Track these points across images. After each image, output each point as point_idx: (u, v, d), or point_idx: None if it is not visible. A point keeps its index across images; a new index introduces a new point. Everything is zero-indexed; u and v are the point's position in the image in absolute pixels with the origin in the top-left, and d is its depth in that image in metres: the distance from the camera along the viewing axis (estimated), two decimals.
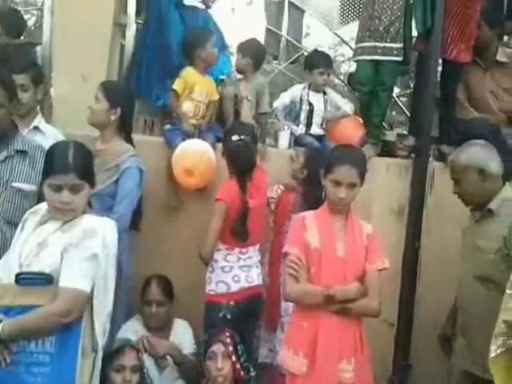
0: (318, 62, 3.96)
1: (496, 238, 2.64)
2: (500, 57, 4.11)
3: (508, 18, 4.76)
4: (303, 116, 3.93)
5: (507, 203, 2.69)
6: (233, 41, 4.71)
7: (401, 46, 3.75)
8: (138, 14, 4.39)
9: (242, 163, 3.13)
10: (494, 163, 2.76)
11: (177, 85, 3.67)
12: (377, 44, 3.78)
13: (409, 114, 4.93)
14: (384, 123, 4.33)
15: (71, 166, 2.10)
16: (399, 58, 3.77)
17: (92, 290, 2.08)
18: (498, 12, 4.56)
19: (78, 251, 2.06)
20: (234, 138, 3.12)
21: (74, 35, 3.85)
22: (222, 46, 4.16)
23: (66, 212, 2.12)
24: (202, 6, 4.24)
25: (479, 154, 2.77)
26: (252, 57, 3.95)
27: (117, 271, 2.84)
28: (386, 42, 3.76)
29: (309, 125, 3.93)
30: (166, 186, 3.58)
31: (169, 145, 3.59)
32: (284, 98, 4.00)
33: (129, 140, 3.15)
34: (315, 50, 4.58)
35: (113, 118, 3.01)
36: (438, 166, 3.83)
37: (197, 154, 3.45)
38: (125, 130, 3.13)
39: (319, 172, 2.62)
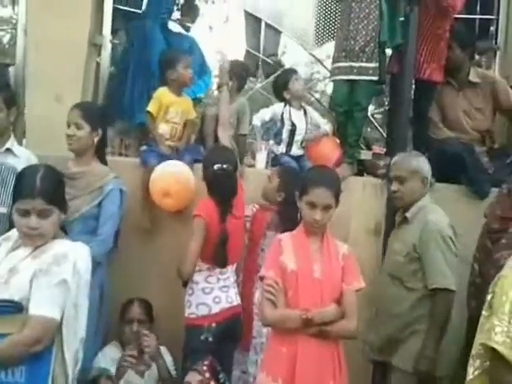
0: (290, 73, 4.01)
1: (406, 242, 2.98)
2: (472, 77, 4.15)
3: (479, 37, 4.88)
4: (285, 135, 3.90)
5: (421, 211, 3.01)
6: (212, 59, 4.74)
7: (376, 65, 3.80)
8: (113, 34, 4.40)
9: (223, 192, 3.09)
10: (431, 177, 3.14)
11: (151, 106, 3.68)
12: (352, 64, 3.82)
13: (383, 132, 5.00)
14: (360, 141, 4.35)
15: (38, 190, 2.05)
16: (375, 78, 3.81)
17: (62, 317, 2.02)
18: (469, 33, 4.67)
19: (47, 277, 2.01)
20: (216, 166, 3.06)
21: (49, 55, 3.85)
22: (203, 71, 4.19)
23: (34, 237, 2.08)
24: (184, 31, 4.28)
25: (426, 164, 3.12)
26: (236, 78, 3.98)
27: (99, 293, 2.92)
28: (361, 61, 3.80)
29: (290, 144, 3.91)
30: (141, 208, 3.55)
31: (145, 166, 3.57)
32: (264, 115, 3.96)
33: (103, 158, 3.14)
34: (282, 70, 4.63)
35: (95, 140, 3.02)
36: None
37: (173, 175, 3.44)
38: (100, 149, 3.12)
39: (295, 193, 2.63)
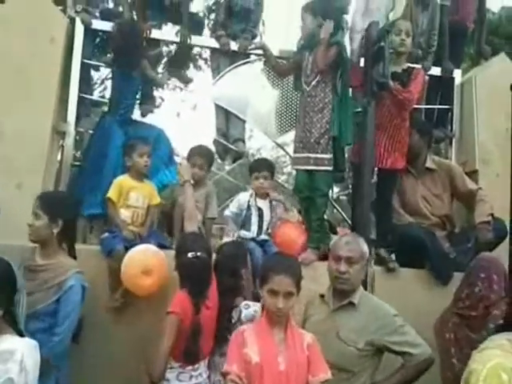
0: (255, 167, 4.04)
1: (360, 332, 2.77)
2: (429, 164, 4.33)
3: (438, 125, 5.12)
4: (254, 219, 3.93)
5: (363, 298, 2.89)
6: (179, 145, 4.81)
7: (331, 156, 3.96)
8: (78, 121, 4.45)
9: (197, 282, 2.94)
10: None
11: (111, 192, 3.70)
12: (309, 155, 3.98)
13: (345, 216, 5.09)
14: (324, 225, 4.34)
15: None
16: (330, 168, 3.97)
17: None
18: (426, 121, 4.90)
19: None
20: (190, 254, 2.95)
21: (11, 142, 3.86)
22: (170, 162, 4.25)
23: None
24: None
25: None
26: (201, 165, 4.02)
27: None
28: (317, 153, 3.96)
29: (260, 227, 3.93)
30: (102, 299, 3.44)
31: (108, 253, 3.49)
32: (232, 208, 4.03)
33: (71, 250, 3.05)
34: (256, 158, 4.71)
35: (55, 231, 2.92)
36: (377, 270, 3.87)
37: (153, 254, 3.39)
38: (67, 240, 3.03)
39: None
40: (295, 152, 4.12)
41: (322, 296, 2.98)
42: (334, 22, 4.00)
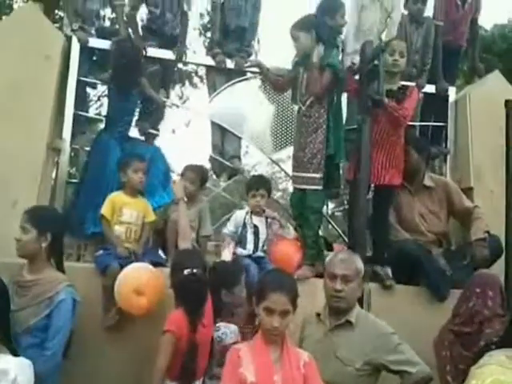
0: (252, 185, 4.06)
1: (358, 351, 2.74)
2: (427, 181, 4.34)
3: (433, 143, 5.14)
4: (250, 238, 3.93)
5: (360, 317, 2.86)
6: (175, 162, 4.80)
7: (321, 176, 3.98)
8: (73, 138, 4.46)
9: (194, 299, 2.92)
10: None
11: (104, 209, 3.69)
12: (302, 174, 4.02)
13: (340, 232, 5.08)
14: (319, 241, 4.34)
15: None
16: (319, 187, 3.99)
17: None
18: (422, 138, 4.92)
19: None
20: (186, 271, 2.91)
21: (5, 160, 3.85)
22: (166, 181, 4.24)
23: None
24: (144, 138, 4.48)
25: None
26: (194, 182, 4.06)
27: None
28: (309, 172, 3.99)
29: (256, 245, 3.92)
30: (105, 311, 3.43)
31: (102, 270, 3.47)
32: (229, 226, 4.03)
33: (60, 265, 3.02)
34: (253, 175, 4.72)
35: (44, 245, 2.89)
36: (374, 287, 3.86)
37: (146, 273, 3.36)
38: (55, 254, 3.01)
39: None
40: (292, 171, 4.16)
41: (318, 315, 2.96)
42: (326, 39, 4.03)
